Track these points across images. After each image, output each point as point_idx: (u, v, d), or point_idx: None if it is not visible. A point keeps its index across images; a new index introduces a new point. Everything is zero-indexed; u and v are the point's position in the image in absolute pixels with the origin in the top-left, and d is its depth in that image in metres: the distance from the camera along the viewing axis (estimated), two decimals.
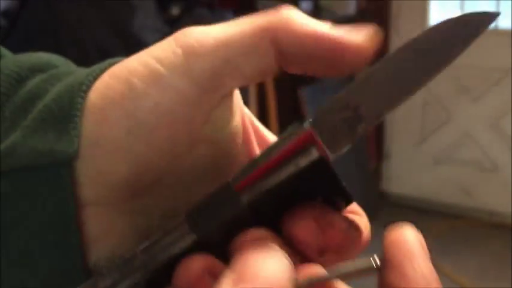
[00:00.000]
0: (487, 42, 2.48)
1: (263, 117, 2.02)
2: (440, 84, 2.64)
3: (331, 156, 0.22)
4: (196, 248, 0.21)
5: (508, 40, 2.41)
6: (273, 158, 0.21)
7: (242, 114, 0.25)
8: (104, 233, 0.22)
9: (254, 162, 0.22)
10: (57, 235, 0.21)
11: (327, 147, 0.21)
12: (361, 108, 0.22)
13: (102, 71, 0.22)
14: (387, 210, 2.61)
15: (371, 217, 0.26)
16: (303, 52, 0.21)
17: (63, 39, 1.91)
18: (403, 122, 2.79)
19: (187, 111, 0.21)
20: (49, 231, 0.21)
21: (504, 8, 2.45)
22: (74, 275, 0.21)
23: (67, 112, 0.21)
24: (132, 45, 1.99)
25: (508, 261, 2.15)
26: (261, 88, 1.98)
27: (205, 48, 0.21)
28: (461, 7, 2.58)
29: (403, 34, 2.71)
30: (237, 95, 0.24)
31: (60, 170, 0.20)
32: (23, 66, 0.23)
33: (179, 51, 0.21)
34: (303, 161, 0.21)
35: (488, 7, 2.52)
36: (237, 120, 0.24)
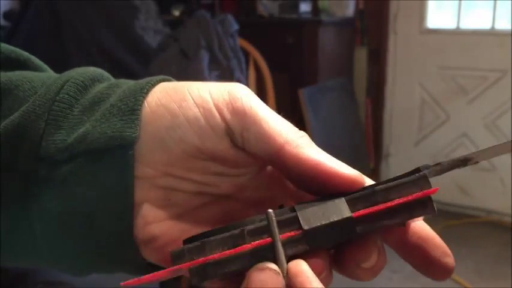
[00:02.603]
0: (484, 44, 2.51)
1: None
2: (438, 85, 2.66)
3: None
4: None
5: (505, 41, 2.43)
6: (393, 201, 0.24)
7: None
8: (141, 202, 0.27)
9: (373, 195, 0.25)
10: (117, 202, 0.26)
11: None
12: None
13: (158, 81, 0.28)
14: None
15: None
16: (302, 175, 0.26)
17: (66, 39, 1.93)
18: (401, 122, 2.81)
19: (207, 144, 0.27)
20: (111, 199, 0.26)
21: (501, 9, 2.47)
22: (125, 237, 0.26)
23: (131, 107, 0.26)
24: (134, 45, 2.00)
25: (506, 260, 2.17)
26: (261, 88, 2.00)
27: (247, 119, 0.26)
28: (459, 8, 2.60)
29: (401, 35, 2.73)
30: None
31: (128, 151, 0.26)
32: (85, 76, 0.28)
33: (227, 101, 0.26)
34: (418, 213, 0.25)
35: (485, 8, 2.54)
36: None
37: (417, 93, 2.72)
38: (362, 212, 0.24)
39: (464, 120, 2.63)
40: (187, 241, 0.25)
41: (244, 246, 0.24)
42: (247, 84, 1.94)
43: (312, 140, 0.27)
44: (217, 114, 0.26)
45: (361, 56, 2.81)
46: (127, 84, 0.28)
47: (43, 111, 0.27)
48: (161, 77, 0.28)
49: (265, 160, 0.27)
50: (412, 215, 0.25)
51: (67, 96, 0.27)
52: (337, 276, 0.27)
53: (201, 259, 0.24)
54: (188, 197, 0.28)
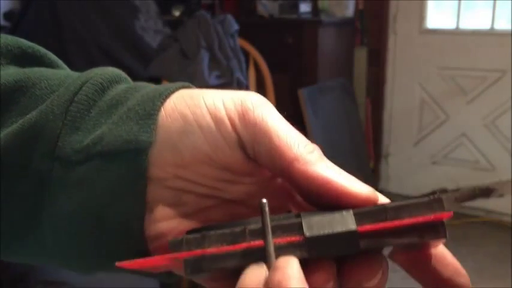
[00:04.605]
0: (484, 44, 2.51)
1: None
2: (438, 85, 2.66)
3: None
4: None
5: (504, 41, 2.43)
6: (401, 220, 0.23)
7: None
8: (151, 201, 0.27)
9: (383, 211, 0.24)
10: (129, 206, 0.26)
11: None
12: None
13: (178, 88, 0.28)
14: None
15: None
16: (312, 191, 0.25)
17: (66, 39, 1.93)
18: (401, 122, 2.81)
19: (218, 152, 0.27)
20: (123, 202, 0.26)
21: (500, 9, 2.48)
22: (135, 238, 0.26)
23: (148, 111, 0.26)
24: (134, 45, 2.01)
25: (506, 260, 2.17)
26: (261, 88, 2.00)
27: (257, 131, 0.26)
28: (458, 8, 2.60)
29: (400, 35, 2.73)
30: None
31: (142, 155, 0.26)
32: (104, 77, 0.28)
33: (239, 112, 0.26)
34: (428, 236, 0.24)
35: (485, 8, 2.54)
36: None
37: (417, 93, 2.72)
38: (368, 227, 0.23)
39: (464, 120, 2.63)
40: (189, 233, 0.25)
41: (241, 244, 0.23)
42: (247, 85, 1.95)
43: (312, 140, 0.27)
44: (229, 125, 0.26)
45: (361, 56, 2.81)
46: (145, 88, 0.28)
47: (61, 111, 0.27)
48: (181, 83, 0.28)
49: (275, 173, 0.27)
50: (422, 237, 0.24)
51: (85, 97, 0.27)
52: None
53: (198, 251, 0.23)
54: (198, 199, 0.28)
